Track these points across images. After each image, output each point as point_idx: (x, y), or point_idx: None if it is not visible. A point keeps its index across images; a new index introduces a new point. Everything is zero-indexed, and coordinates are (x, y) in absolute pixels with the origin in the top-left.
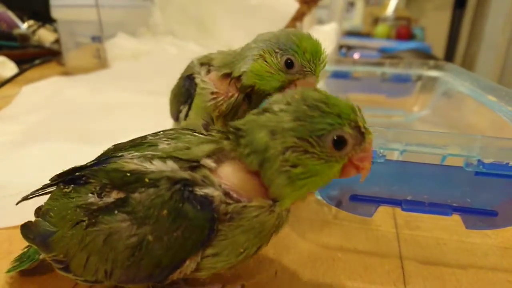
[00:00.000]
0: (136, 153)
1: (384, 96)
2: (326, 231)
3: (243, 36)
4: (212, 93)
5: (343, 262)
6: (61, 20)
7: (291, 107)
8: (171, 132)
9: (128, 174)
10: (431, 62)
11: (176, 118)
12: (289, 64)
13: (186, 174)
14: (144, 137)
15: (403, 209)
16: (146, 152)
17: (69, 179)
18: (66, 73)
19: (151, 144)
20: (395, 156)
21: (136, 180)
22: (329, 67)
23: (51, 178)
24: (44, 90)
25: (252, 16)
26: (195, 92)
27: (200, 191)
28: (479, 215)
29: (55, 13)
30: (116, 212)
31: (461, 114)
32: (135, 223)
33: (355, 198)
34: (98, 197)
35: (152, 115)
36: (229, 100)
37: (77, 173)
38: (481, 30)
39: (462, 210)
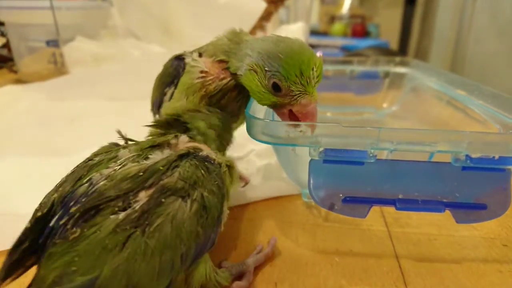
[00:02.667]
0: (115, 165)
1: (352, 94)
2: (320, 235)
3: (210, 37)
4: (202, 71)
5: (342, 267)
6: (10, 23)
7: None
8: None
9: (141, 174)
10: (397, 59)
11: (158, 105)
12: (276, 88)
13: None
14: (88, 160)
15: (397, 208)
16: (123, 159)
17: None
18: (20, 81)
19: (112, 158)
20: (384, 155)
21: (152, 173)
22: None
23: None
24: None
25: (220, 16)
26: (184, 71)
27: (201, 153)
28: (469, 209)
29: (2, 16)
30: (163, 199)
31: (429, 109)
32: (186, 194)
33: (348, 200)
34: (128, 208)
35: (120, 122)
36: (219, 81)
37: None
38: (431, 25)
39: (453, 206)
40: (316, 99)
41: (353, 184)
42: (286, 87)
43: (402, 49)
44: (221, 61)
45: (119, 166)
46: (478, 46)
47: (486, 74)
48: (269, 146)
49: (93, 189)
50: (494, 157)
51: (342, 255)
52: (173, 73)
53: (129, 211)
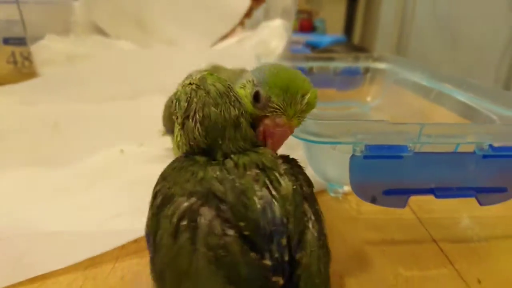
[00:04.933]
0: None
1: (335, 90)
2: (360, 227)
3: (188, 33)
4: None
5: (392, 255)
6: None
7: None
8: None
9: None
10: (375, 54)
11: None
12: (256, 97)
13: None
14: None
15: (436, 197)
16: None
17: None
18: None
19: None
20: (416, 148)
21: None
22: (286, 64)
23: None
24: None
25: (198, 11)
26: None
27: None
28: (494, 193)
29: None
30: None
31: (412, 102)
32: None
33: (389, 192)
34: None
35: (107, 127)
36: None
37: None
38: (375, 19)
39: (480, 190)
40: (292, 127)
41: (392, 177)
42: (266, 97)
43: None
44: None
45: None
46: (419, 39)
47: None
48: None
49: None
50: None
51: (387, 245)
52: None
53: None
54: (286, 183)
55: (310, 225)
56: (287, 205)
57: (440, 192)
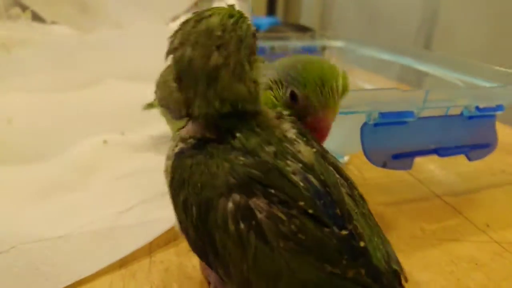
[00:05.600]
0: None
1: None
2: (371, 191)
3: (136, 14)
4: None
5: (409, 211)
6: None
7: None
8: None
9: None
10: (329, 33)
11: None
12: (293, 98)
13: None
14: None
15: (440, 155)
16: None
17: None
18: None
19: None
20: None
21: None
22: None
23: None
24: None
25: None
26: None
27: None
28: (481, 149)
29: None
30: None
31: (373, 76)
32: None
33: (397, 156)
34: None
35: (68, 118)
36: None
37: None
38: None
39: (472, 147)
40: (337, 113)
41: (400, 141)
42: (304, 96)
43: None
44: None
45: None
46: (341, 14)
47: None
48: None
49: None
50: (494, 106)
51: (401, 204)
52: None
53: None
54: (305, 150)
55: (344, 189)
56: (319, 175)
57: (442, 151)
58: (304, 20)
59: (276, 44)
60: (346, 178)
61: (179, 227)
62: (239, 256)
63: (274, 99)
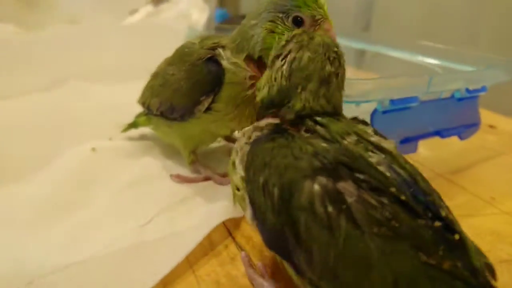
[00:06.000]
0: None
1: None
2: None
3: (92, 8)
4: (251, 77)
5: None
6: None
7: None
8: None
9: None
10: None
11: (184, 113)
12: (298, 22)
13: None
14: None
15: (443, 137)
16: None
17: None
18: None
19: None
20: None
21: None
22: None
23: None
24: None
25: None
26: (224, 78)
27: None
28: (471, 128)
29: None
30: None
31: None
32: None
33: (405, 140)
34: None
35: (49, 124)
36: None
37: None
38: None
39: (466, 127)
40: (332, 23)
41: (405, 126)
42: (309, 15)
43: None
44: (247, 58)
45: None
46: None
47: None
48: None
49: None
50: (480, 87)
51: None
52: (213, 80)
53: None
54: (386, 143)
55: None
56: (404, 165)
57: (444, 132)
58: (246, 10)
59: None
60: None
61: (252, 214)
62: (326, 241)
63: (277, 35)
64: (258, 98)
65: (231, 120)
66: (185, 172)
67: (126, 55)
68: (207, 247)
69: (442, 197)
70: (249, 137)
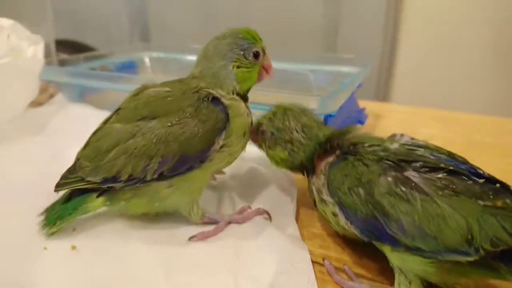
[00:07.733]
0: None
1: None
2: None
3: None
4: (246, 107)
5: None
6: None
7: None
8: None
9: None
10: (141, 45)
11: (204, 157)
12: (257, 55)
13: None
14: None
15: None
16: None
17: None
18: None
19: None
20: None
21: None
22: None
23: None
24: None
25: None
26: (228, 115)
27: None
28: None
29: None
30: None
31: None
32: None
33: None
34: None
35: None
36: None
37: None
38: None
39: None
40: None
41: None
42: (261, 48)
43: None
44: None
45: None
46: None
47: None
48: None
49: None
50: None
51: None
52: (224, 118)
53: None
54: (420, 142)
55: None
56: (441, 151)
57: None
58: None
59: (98, 63)
60: None
61: (345, 218)
62: (409, 210)
63: (245, 69)
64: (284, 166)
65: (242, 148)
66: (187, 230)
67: None
68: None
69: None
70: (320, 178)
